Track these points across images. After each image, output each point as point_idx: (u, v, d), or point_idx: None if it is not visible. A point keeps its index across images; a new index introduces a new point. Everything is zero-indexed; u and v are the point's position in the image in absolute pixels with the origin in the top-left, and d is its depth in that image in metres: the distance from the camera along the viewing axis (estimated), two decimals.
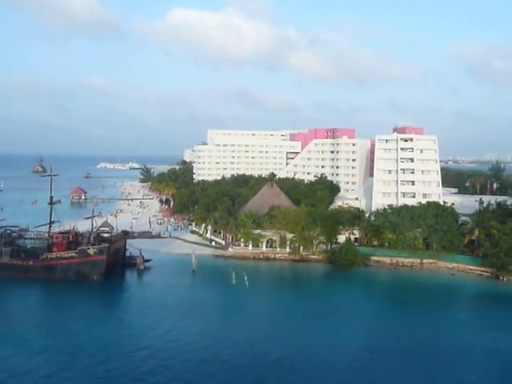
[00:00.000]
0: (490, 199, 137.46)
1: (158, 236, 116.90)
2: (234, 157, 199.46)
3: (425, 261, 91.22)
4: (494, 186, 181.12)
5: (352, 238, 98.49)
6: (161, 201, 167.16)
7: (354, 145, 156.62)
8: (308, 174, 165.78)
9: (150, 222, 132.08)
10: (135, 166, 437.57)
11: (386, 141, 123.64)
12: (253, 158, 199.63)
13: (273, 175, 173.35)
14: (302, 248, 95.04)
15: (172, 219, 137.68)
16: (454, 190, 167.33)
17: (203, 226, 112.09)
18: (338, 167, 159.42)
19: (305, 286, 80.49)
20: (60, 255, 79.06)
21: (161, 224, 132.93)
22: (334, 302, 70.90)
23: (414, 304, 71.38)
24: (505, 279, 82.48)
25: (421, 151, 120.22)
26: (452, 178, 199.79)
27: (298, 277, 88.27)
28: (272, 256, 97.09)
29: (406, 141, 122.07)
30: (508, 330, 61.41)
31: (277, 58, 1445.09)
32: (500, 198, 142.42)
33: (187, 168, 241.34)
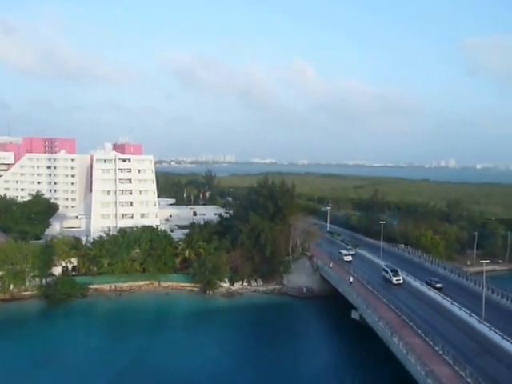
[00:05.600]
0: (201, 210, 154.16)
1: None
2: None
3: (142, 283, 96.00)
4: (207, 194, 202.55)
5: (70, 266, 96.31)
6: None
7: (72, 160, 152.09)
8: (22, 190, 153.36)
9: None
10: None
11: (105, 161, 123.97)
12: None
13: None
14: (12, 285, 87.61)
15: None
16: (172, 201, 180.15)
17: None
18: (56, 183, 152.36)
19: (16, 333, 73.04)
20: None
21: None
22: (50, 347, 67.64)
23: (131, 333, 74.11)
24: (210, 293, 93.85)
25: (139, 171, 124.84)
26: (171, 187, 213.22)
27: (5, 321, 79.40)
28: None
29: (124, 161, 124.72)
30: (212, 343, 70.21)
31: None
32: (210, 208, 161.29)
33: None
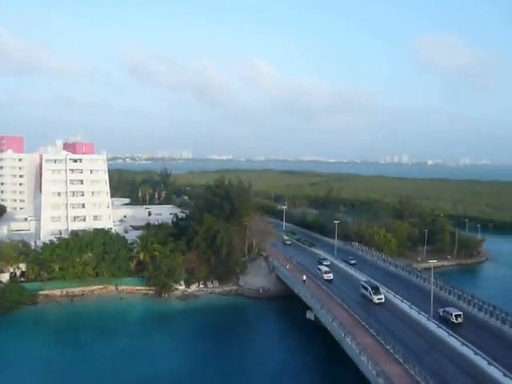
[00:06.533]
0: (157, 210, 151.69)
1: None
2: None
3: (95, 287, 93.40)
4: (163, 194, 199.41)
5: (18, 272, 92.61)
6: None
7: (20, 160, 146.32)
8: None
9: None
10: None
11: (55, 161, 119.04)
12: None
13: None
14: None
15: None
16: (127, 200, 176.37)
17: None
18: (2, 184, 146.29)
19: None
20: None
21: None
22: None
23: (85, 340, 71.85)
24: (166, 296, 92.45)
25: (91, 172, 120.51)
26: (126, 185, 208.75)
27: None
28: None
29: (75, 161, 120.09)
30: (168, 347, 69.41)
31: None
32: (165, 207, 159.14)
33: None
